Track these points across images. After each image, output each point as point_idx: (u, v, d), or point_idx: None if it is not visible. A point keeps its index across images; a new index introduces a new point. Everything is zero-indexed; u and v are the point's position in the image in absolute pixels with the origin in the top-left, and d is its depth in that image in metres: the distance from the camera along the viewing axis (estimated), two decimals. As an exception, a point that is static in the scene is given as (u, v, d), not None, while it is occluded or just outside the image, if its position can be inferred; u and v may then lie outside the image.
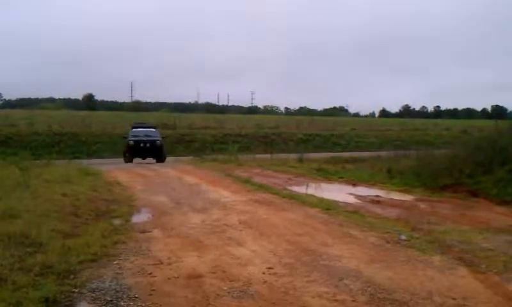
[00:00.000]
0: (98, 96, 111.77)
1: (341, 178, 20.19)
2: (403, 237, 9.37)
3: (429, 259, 7.89)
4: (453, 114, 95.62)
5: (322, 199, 14.20)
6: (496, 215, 12.05)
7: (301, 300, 6.00)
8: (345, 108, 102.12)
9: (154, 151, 28.55)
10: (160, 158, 28.29)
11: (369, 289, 6.40)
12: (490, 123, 39.39)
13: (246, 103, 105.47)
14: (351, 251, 8.32)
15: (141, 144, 28.41)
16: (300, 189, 16.60)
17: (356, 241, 9.14)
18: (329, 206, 12.75)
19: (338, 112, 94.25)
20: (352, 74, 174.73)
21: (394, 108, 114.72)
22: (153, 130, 31.22)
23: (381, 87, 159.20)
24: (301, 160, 26.55)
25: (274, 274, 7.06)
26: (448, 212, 12.45)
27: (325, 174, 21.18)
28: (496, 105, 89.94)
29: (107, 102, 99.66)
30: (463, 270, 7.27)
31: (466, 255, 8.05)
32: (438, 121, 74.28)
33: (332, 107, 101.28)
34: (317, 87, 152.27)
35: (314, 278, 6.87)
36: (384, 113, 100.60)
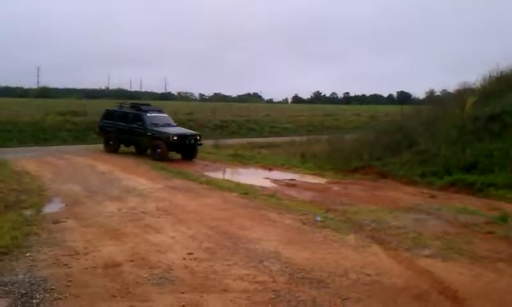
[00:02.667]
0: (2, 82, 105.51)
1: (257, 163, 20.44)
2: (318, 218, 9.66)
3: (344, 238, 8.21)
4: (361, 100, 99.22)
5: (239, 184, 14.34)
6: (404, 194, 12.70)
7: (222, 283, 6.05)
8: (259, 94, 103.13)
9: (192, 148, 21.42)
10: (194, 155, 21.52)
11: (288, 269, 6.57)
12: (396, 108, 41.29)
13: (159, 90, 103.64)
14: (270, 234, 8.49)
15: (187, 141, 21.02)
16: (217, 175, 16.66)
17: (274, 224, 9.33)
18: (247, 191, 12.90)
19: (253, 98, 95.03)
20: (267, 61, 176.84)
21: (306, 94, 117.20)
22: (166, 115, 23.80)
23: (294, 74, 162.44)
24: (217, 146, 26.58)
25: (195, 259, 7.07)
26: (359, 193, 12.96)
27: (241, 159, 21.35)
28: (402, 91, 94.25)
29: (12, 88, 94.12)
30: (375, 248, 7.63)
31: (377, 233, 8.45)
32: (348, 106, 76.94)
33: (246, 93, 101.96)
34: (232, 74, 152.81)
35: (235, 261, 6.95)
36: (296, 99, 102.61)
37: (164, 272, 6.50)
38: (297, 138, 31.52)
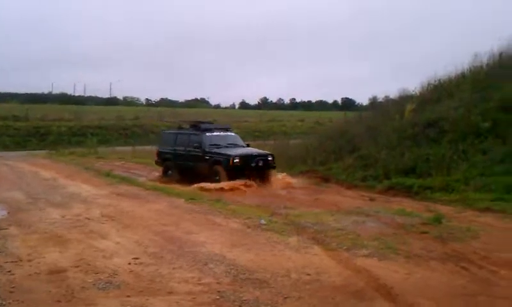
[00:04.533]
0: None
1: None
2: (263, 222, 9.90)
3: (286, 240, 8.46)
4: (307, 106, 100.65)
5: (186, 189, 14.45)
6: (345, 198, 13.15)
7: (168, 287, 6.17)
8: (207, 99, 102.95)
9: (264, 171, 16.50)
10: (266, 180, 16.36)
11: (232, 271, 6.75)
12: (340, 114, 42.26)
13: (104, 94, 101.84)
14: (215, 237, 8.66)
15: (252, 163, 16.28)
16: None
17: (219, 228, 9.51)
18: (193, 196, 13.02)
19: (200, 103, 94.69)
20: (215, 66, 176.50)
21: (253, 100, 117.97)
22: (233, 134, 19.08)
23: (241, 79, 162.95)
24: (163, 152, 26.47)
25: (140, 263, 7.15)
26: (303, 197, 13.33)
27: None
28: (346, 98, 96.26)
29: None
30: (316, 249, 7.91)
31: (319, 235, 8.76)
32: (294, 112, 78.00)
33: (194, 98, 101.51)
34: (180, 79, 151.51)
35: (180, 265, 7.07)
36: (244, 105, 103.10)
37: (109, 276, 6.56)
38: (244, 143, 31.75)
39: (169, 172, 18.04)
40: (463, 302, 5.60)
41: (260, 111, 74.32)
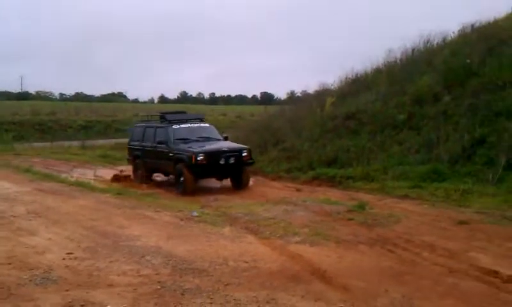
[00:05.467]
0: None
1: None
2: (195, 214, 10.02)
3: (220, 231, 8.65)
4: (227, 100, 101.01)
5: (111, 185, 14.26)
6: (272, 189, 13.50)
7: (107, 280, 6.17)
8: (124, 94, 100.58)
9: (236, 169, 13.93)
10: (242, 182, 14.08)
11: (171, 262, 6.84)
12: (260, 108, 42.90)
13: (15, 89, 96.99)
14: (149, 230, 8.69)
15: (221, 160, 13.56)
16: (87, 176, 16.33)
17: (152, 221, 9.54)
18: (120, 191, 12.89)
19: (117, 98, 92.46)
20: (132, 60, 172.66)
21: (173, 94, 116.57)
22: (208, 125, 16.20)
23: (160, 73, 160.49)
24: (84, 148, 25.87)
25: (75, 258, 7.08)
26: (229, 190, 13.57)
27: (111, 160, 21.07)
28: (265, 92, 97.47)
29: None
30: (250, 238, 8.16)
31: (251, 225, 9.01)
32: (214, 106, 78.06)
33: (111, 92, 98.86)
34: (95, 73, 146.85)
35: (116, 258, 7.06)
36: (163, 99, 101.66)
37: (45, 272, 6.46)
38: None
39: (139, 171, 15.85)
40: (391, 281, 6.01)
41: (180, 105, 73.72)
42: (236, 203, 11.31)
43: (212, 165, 13.32)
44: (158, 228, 8.90)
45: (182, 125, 15.11)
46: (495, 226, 8.52)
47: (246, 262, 6.83)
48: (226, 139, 15.34)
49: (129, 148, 16.84)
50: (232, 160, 13.56)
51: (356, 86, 20.15)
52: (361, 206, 10.18)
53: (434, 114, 15.15)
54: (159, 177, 16.04)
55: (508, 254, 7.05)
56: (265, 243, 7.84)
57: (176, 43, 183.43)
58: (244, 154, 13.90)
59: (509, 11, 19.54)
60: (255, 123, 24.41)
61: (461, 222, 8.77)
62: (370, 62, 21.09)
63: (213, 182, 14.66)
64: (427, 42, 20.55)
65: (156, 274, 6.37)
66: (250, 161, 14.15)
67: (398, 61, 20.46)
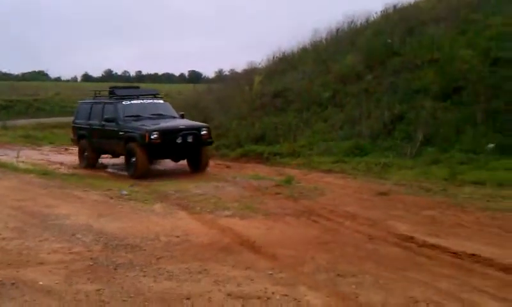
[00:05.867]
0: None
1: (51, 143, 19.82)
2: (124, 192, 10.02)
3: (151, 207, 8.74)
4: (154, 78, 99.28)
5: (35, 165, 13.93)
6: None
7: (38, 258, 6.13)
8: (46, 72, 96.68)
9: (195, 149, 12.92)
10: (200, 163, 13.12)
11: (102, 239, 6.87)
12: (189, 87, 42.69)
13: None
14: (78, 209, 8.64)
15: (178, 139, 12.50)
16: (9, 157, 15.81)
17: (80, 200, 9.47)
18: (45, 171, 12.63)
19: (39, 76, 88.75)
20: (54, 37, 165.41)
21: (97, 72, 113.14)
22: (162, 102, 14.96)
23: (83, 51, 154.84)
24: (5, 128, 24.87)
25: (3, 239, 6.95)
26: (160, 168, 13.62)
27: (34, 140, 20.46)
28: (193, 71, 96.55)
29: None
30: (181, 214, 8.31)
31: (182, 201, 9.15)
32: (141, 84, 76.77)
33: (31, 71, 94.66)
34: (15, 50, 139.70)
35: (46, 237, 7.01)
36: (86, 77, 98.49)
37: (-29, 253, 6.33)
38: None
39: (85, 153, 14.60)
40: (317, 249, 6.35)
41: (106, 84, 71.95)
42: (166, 181, 11.40)
43: (167, 145, 12.29)
44: (87, 207, 8.85)
45: (134, 101, 13.88)
46: (412, 196, 9.11)
47: (178, 236, 6.98)
48: (182, 116, 14.01)
49: (74, 127, 15.40)
50: (189, 139, 12.45)
51: (283, 64, 20.59)
52: (288, 181, 10.55)
53: (357, 92, 15.82)
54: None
55: (423, 221, 7.60)
56: (196, 218, 8.02)
57: (102, 22, 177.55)
58: (204, 132, 12.79)
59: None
60: (183, 102, 24.32)
61: (381, 194, 9.32)
62: (297, 42, 21.58)
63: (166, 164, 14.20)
64: (351, 22, 21.29)
65: (88, 251, 6.39)
66: (209, 140, 13.13)
67: (323, 40, 21.06)
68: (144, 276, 5.50)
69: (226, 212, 8.27)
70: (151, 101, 14.37)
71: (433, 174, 10.61)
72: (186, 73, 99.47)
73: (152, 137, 12.06)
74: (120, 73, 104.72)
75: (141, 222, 7.76)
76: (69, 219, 7.94)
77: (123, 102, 13.64)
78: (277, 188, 10.05)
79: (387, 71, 15.96)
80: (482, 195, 8.77)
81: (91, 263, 5.92)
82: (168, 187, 10.56)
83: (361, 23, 21.39)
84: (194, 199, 9.28)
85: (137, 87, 16.42)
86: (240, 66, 27.89)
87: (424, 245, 6.43)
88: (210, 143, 13.30)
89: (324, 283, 5.27)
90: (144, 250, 6.41)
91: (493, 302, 4.73)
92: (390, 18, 20.18)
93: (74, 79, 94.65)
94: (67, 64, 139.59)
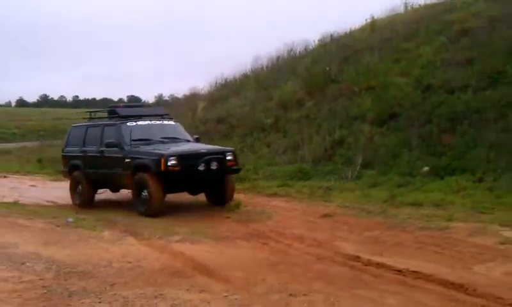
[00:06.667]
0: None
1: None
2: (70, 220, 9.92)
3: (100, 234, 8.72)
4: (91, 103, 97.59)
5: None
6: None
7: (-12, 287, 6.05)
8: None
9: (218, 178, 11.02)
10: (225, 195, 11.19)
11: (53, 267, 6.83)
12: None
13: None
14: (25, 238, 8.50)
15: (200, 166, 10.42)
16: None
17: (26, 228, 9.31)
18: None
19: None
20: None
21: (32, 97, 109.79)
22: (173, 123, 12.77)
23: (17, 75, 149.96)
24: None
25: (-51, 270, 6.78)
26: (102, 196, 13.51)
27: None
28: (132, 95, 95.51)
29: None
30: (131, 240, 8.34)
31: (130, 228, 9.19)
32: (79, 110, 75.24)
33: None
34: None
35: (-5, 266, 6.89)
36: (21, 102, 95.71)
37: None
38: (28, 143, 30.06)
39: (79, 187, 12.26)
40: (268, 271, 6.58)
41: (43, 109, 70.21)
42: (112, 208, 11.32)
43: (187, 173, 10.26)
44: (34, 235, 8.73)
45: (140, 122, 11.74)
46: (355, 218, 9.51)
47: (130, 262, 7.03)
48: (197, 140, 12.07)
49: (64, 157, 13.10)
50: (213, 166, 10.36)
51: (226, 90, 20.97)
52: (237, 205, 10.78)
53: (298, 118, 16.34)
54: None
55: (367, 241, 7.99)
56: (146, 244, 8.09)
57: (38, 45, 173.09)
58: (229, 158, 10.83)
59: (363, 23, 21.44)
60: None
61: (326, 216, 9.69)
62: (238, 68, 22.05)
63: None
64: (291, 50, 21.97)
65: (40, 279, 6.34)
66: (237, 167, 11.18)
67: (264, 67, 21.60)
68: (100, 302, 5.54)
69: (176, 237, 8.38)
70: (160, 122, 12.20)
71: (373, 196, 11.09)
72: (125, 98, 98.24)
73: (169, 163, 10.02)
74: (56, 98, 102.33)
75: (91, 249, 7.75)
76: (17, 248, 7.81)
77: (128, 123, 11.50)
78: (226, 213, 10.26)
79: (326, 98, 16.59)
80: (420, 215, 9.27)
81: (44, 291, 5.89)
82: (115, 214, 10.54)
83: (300, 52, 22.15)
84: (142, 225, 9.34)
85: (141, 106, 14.06)
86: (180, 91, 28.04)
87: (369, 264, 6.78)
88: (238, 171, 11.41)
89: (277, 303, 5.49)
90: (97, 277, 6.43)
91: (435, 315, 5.11)
92: (327, 46, 20.98)
93: (8, 104, 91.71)
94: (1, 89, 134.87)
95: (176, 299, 5.62)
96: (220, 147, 11.62)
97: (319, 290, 5.80)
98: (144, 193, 10.25)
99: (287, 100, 17.62)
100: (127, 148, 10.98)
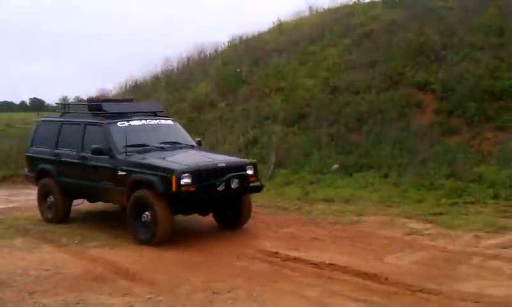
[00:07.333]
0: None
1: None
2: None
3: (12, 243, 8.40)
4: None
5: None
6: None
7: None
8: None
9: (237, 199, 8.67)
10: (241, 216, 8.88)
11: (-36, 279, 6.52)
12: (32, 115, 40.35)
13: None
14: None
15: (220, 186, 7.97)
16: None
17: None
18: None
19: None
20: None
21: None
22: (171, 123, 10.09)
23: None
24: None
25: None
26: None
27: None
28: (35, 98, 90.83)
29: None
30: (47, 247, 8.11)
31: (46, 234, 8.91)
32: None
33: None
34: None
35: None
36: None
37: None
38: None
39: (50, 198, 9.89)
40: (191, 271, 6.68)
41: None
42: (19, 215, 10.80)
43: (204, 195, 8.00)
44: None
45: (134, 122, 9.19)
46: (272, 215, 9.81)
47: (48, 270, 6.86)
48: (199, 144, 9.93)
49: (28, 158, 10.57)
50: (234, 185, 8.16)
51: (137, 93, 20.61)
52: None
53: (212, 119, 16.47)
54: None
55: (284, 237, 8.30)
56: (64, 251, 7.91)
57: None
58: (249, 172, 8.59)
59: (272, 26, 21.96)
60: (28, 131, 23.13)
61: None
62: (149, 70, 21.81)
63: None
64: (201, 52, 22.03)
65: (-49, 295, 6.05)
66: (259, 185, 8.75)
67: (175, 69, 21.53)
68: (20, 312, 5.41)
69: (95, 243, 8.23)
70: (157, 122, 9.68)
71: (288, 194, 11.48)
72: (27, 101, 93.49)
73: (183, 182, 7.69)
74: None
75: (3, 258, 7.49)
76: None
77: (119, 124, 8.99)
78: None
79: (239, 99, 16.85)
80: (332, 211, 9.75)
81: (-43, 306, 5.65)
82: (30, 221, 10.06)
83: (210, 53, 22.26)
84: (59, 231, 9.04)
85: (131, 100, 11.30)
86: (88, 94, 27.19)
87: (287, 259, 7.07)
88: (260, 189, 8.76)
89: (201, 302, 5.63)
90: (14, 286, 6.24)
91: (352, 303, 5.45)
92: (237, 48, 21.27)
93: None
94: None
95: (99, 304, 5.62)
96: (239, 159, 9.31)
97: (241, 287, 6.01)
98: (145, 215, 7.95)
99: (199, 101, 17.69)
100: (120, 156, 8.42)
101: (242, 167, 8.51)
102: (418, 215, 9.04)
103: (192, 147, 9.38)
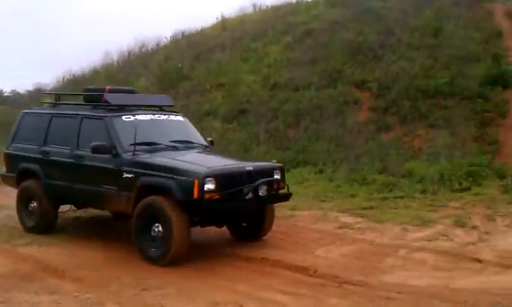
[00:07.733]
0: None
1: None
2: None
3: None
4: None
5: None
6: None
7: None
8: None
9: (261, 208, 7.52)
10: (262, 227, 7.72)
11: None
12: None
13: None
14: None
15: (249, 194, 6.75)
16: None
17: None
18: None
19: None
20: None
21: None
22: (181, 118, 8.63)
23: None
24: None
25: None
26: None
27: None
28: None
29: None
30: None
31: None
32: None
33: None
34: None
35: None
36: None
37: None
38: None
39: (33, 204, 8.42)
40: (123, 269, 6.57)
41: None
42: None
43: (229, 203, 6.81)
44: None
45: (140, 117, 7.92)
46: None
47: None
48: (212, 144, 8.77)
49: (9, 156, 8.98)
50: (262, 192, 6.95)
51: (75, 86, 20.13)
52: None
53: (152, 114, 16.26)
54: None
55: (218, 233, 8.25)
56: (-10, 249, 7.66)
57: None
58: (276, 177, 7.37)
59: (215, 21, 21.94)
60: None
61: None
62: (87, 63, 21.34)
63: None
64: (142, 46, 21.75)
65: None
66: (287, 192, 7.59)
67: (115, 63, 21.15)
68: None
69: (23, 241, 7.98)
70: (166, 117, 8.33)
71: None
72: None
73: (206, 187, 6.51)
74: None
75: None
76: None
77: (124, 118, 7.72)
78: (74, 213, 9.87)
79: (179, 94, 16.71)
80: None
81: None
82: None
83: (152, 48, 22.02)
84: (-16, 230, 8.75)
85: (133, 91, 9.41)
86: (23, 87, 26.42)
87: (220, 254, 7.13)
88: (288, 197, 7.68)
89: (130, 298, 5.60)
90: None
91: (280, 296, 5.56)
92: (179, 43, 21.13)
93: None
94: None
95: (24, 303, 5.49)
96: (265, 162, 8.01)
97: (172, 283, 6.01)
98: (157, 228, 6.72)
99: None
100: (126, 156, 7.18)
101: (271, 172, 7.36)
102: (350, 209, 9.29)
103: (205, 147, 8.26)
